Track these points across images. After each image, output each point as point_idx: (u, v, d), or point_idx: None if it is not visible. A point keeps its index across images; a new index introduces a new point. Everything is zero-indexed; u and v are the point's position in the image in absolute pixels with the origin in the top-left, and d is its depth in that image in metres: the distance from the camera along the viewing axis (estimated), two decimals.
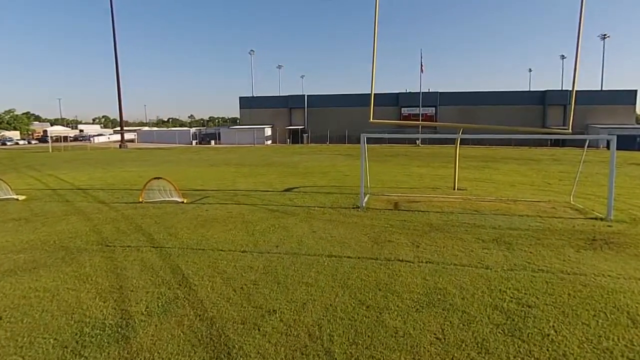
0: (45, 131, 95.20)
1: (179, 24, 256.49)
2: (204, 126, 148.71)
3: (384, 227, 7.23)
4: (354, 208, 9.01)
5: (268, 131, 55.45)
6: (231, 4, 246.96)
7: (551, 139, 46.91)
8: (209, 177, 15.22)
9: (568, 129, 9.82)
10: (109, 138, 62.63)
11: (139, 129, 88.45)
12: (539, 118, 50.22)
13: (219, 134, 56.76)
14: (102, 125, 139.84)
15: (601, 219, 7.96)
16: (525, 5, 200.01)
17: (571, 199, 9.95)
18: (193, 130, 72.98)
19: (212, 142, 54.93)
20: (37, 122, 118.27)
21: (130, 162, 23.89)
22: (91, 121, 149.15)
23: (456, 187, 11.84)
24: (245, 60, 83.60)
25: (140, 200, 9.92)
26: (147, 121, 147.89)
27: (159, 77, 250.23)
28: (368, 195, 10.66)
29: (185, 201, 9.88)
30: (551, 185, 12.96)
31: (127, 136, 64.51)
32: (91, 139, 63.64)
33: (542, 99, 50.25)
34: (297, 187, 12.36)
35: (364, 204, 9.11)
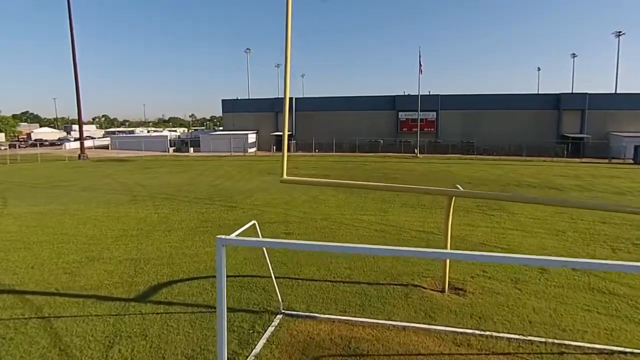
0: (29, 134, 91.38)
1: (179, 22, 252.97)
2: (203, 126, 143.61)
3: None
4: None
5: (252, 137, 50.53)
6: (233, 3, 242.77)
7: (568, 148, 41.58)
8: (80, 238, 10.18)
9: None
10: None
11: (132, 130, 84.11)
12: (553, 125, 44.86)
13: (198, 140, 52.01)
14: (97, 125, 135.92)
15: None
16: (527, 3, 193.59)
17: None
18: (175, 134, 68.39)
19: (191, 149, 50.16)
20: (24, 124, 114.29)
21: (47, 189, 19.03)
22: (91, 120, 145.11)
23: (447, 287, 6.82)
24: (250, 60, 79.02)
25: None
26: (147, 120, 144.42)
27: (160, 76, 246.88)
28: (278, 319, 5.72)
29: None
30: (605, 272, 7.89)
31: (102, 142, 60.15)
32: (65, 144, 59.19)
33: (557, 103, 44.85)
34: (180, 282, 7.39)
35: None
